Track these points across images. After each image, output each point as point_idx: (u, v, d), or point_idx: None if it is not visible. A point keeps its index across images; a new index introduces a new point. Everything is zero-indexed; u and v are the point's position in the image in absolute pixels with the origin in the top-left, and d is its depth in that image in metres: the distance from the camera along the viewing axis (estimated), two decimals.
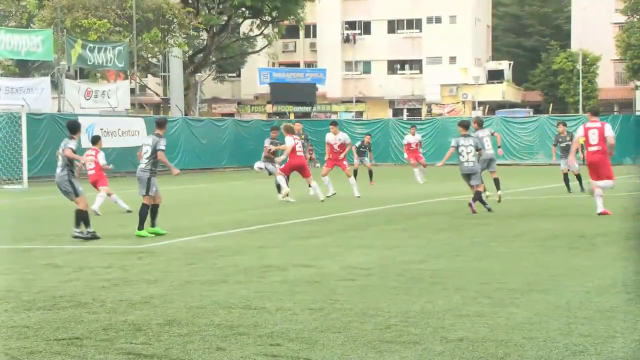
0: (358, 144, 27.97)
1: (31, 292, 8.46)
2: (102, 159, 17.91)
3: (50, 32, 37.76)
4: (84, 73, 50.29)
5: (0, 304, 7.84)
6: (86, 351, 6.13)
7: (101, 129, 36.84)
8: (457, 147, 16.76)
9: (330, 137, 21.93)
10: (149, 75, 57.37)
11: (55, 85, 39.32)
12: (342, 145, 21.68)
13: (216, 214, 17.30)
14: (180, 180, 28.27)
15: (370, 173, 26.84)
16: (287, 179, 20.02)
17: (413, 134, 28.72)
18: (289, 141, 19.96)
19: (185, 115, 48.16)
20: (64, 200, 17.01)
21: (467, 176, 16.80)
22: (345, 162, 21.63)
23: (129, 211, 17.37)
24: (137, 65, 44.78)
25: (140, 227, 13.23)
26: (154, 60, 54.12)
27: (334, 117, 59.83)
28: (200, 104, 53.12)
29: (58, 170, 13.50)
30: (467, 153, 16.71)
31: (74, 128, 13.93)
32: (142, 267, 10.07)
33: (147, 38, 44.71)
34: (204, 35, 54.42)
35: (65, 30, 39.97)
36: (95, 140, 18.34)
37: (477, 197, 16.60)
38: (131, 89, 43.97)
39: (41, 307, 7.68)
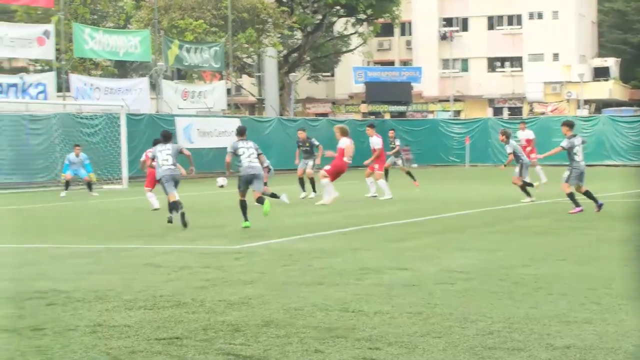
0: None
1: (132, 291, 8.70)
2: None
3: (148, 32, 38.73)
4: (181, 74, 51.40)
5: (102, 303, 8.08)
6: (186, 351, 6.27)
7: (197, 130, 37.62)
8: (571, 148, 16.53)
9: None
10: (244, 76, 58.22)
11: (153, 86, 40.33)
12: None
13: (309, 215, 17.41)
14: (274, 180, 28.55)
15: (409, 174, 24.40)
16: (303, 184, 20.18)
17: (522, 130, 27.85)
18: (344, 142, 19.92)
19: (280, 115, 48.66)
20: (162, 201, 17.49)
21: (582, 175, 16.65)
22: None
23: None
24: (232, 66, 45.52)
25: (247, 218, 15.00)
26: (249, 61, 54.90)
27: (430, 116, 59.44)
28: (294, 104, 53.59)
29: (169, 166, 15.75)
30: (580, 152, 16.73)
31: (170, 136, 16.46)
32: (239, 268, 10.23)
33: (242, 38, 45.39)
34: (298, 34, 54.87)
35: (162, 31, 40.95)
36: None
37: (590, 195, 16.65)
38: (227, 89, 44.74)
39: (142, 306, 7.90)
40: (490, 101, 63.79)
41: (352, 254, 11.43)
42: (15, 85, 33.29)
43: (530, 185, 19.71)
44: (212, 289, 8.72)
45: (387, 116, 54.48)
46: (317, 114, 59.61)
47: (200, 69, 44.12)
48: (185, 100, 39.80)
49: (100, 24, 48.56)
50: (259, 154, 15.57)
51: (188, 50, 39.99)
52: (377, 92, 54.89)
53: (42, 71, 43.62)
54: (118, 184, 30.25)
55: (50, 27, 34.65)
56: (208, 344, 6.45)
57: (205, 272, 9.88)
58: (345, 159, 19.60)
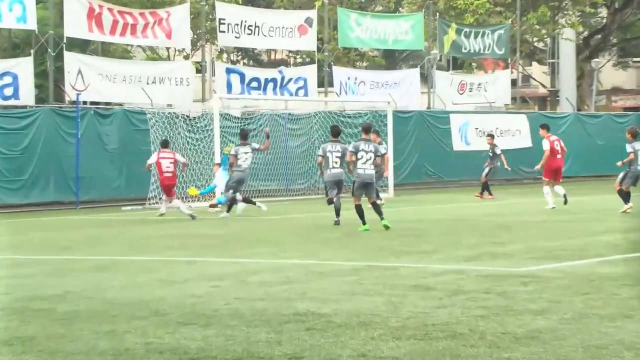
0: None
1: (400, 317, 8.84)
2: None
3: (421, 16, 39.29)
4: (457, 63, 51.64)
5: (366, 329, 8.28)
6: None
7: (476, 128, 37.60)
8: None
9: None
10: (534, 63, 57.37)
11: (425, 78, 40.83)
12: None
13: (614, 233, 16.79)
14: (567, 189, 27.89)
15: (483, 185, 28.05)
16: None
17: None
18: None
19: (578, 110, 47.41)
20: (430, 213, 17.68)
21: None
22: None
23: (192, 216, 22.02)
24: (519, 52, 45.01)
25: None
26: (540, 45, 54.00)
27: None
28: (596, 96, 51.95)
29: (338, 169, 19.51)
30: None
31: (339, 133, 20.64)
32: (526, 295, 10.08)
33: (532, 19, 44.74)
34: (603, 12, 53.16)
35: (437, 13, 41.35)
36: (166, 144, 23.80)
37: None
38: (512, 79, 44.34)
39: (411, 335, 7.99)
40: None
41: None
42: (274, 80, 35.09)
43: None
44: (493, 319, 8.66)
45: None
46: (624, 108, 57.37)
47: (480, 57, 44.04)
48: (461, 93, 39.90)
49: (367, 8, 49.95)
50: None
51: (467, 35, 40.05)
52: None
53: (302, 64, 45.62)
54: (383, 192, 30.87)
55: (313, 14, 36.13)
56: None
57: (486, 298, 9.83)
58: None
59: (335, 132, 20.39)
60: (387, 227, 17.64)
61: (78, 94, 29.06)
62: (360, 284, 11.15)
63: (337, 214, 19.22)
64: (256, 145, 23.71)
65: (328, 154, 19.58)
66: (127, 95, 31.90)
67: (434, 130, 36.62)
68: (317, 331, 8.23)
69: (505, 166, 29.91)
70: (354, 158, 18.21)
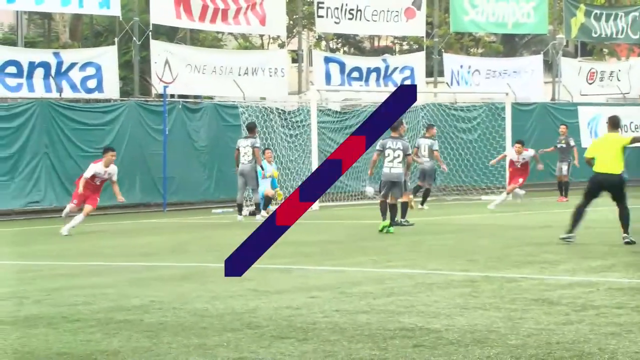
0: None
1: (520, 334, 8.80)
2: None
3: None
4: (586, 49, 50.90)
5: (481, 347, 8.28)
6: None
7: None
8: None
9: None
10: None
11: (549, 66, 40.39)
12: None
13: None
14: None
15: (563, 186, 29.68)
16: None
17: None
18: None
19: None
20: (554, 218, 17.45)
21: None
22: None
23: None
24: None
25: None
26: None
27: None
28: None
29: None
30: None
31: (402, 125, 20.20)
32: None
33: None
34: None
35: None
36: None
37: None
38: None
39: (532, 355, 7.96)
40: None
41: None
42: (377, 69, 35.19)
43: None
44: (626, 337, 8.57)
45: None
46: None
47: (613, 42, 43.34)
48: (591, 83, 39.40)
49: None
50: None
51: (598, 17, 39.45)
52: None
53: (409, 51, 45.57)
54: (499, 194, 30.66)
55: None
56: None
57: (618, 314, 9.72)
58: None
59: (396, 125, 19.29)
60: (390, 232, 19.19)
61: (165, 87, 29.55)
62: (475, 297, 11.12)
63: (391, 217, 19.84)
64: (258, 144, 24.45)
65: (389, 151, 19.56)
66: (218, 88, 32.31)
67: (560, 125, 36.10)
68: (426, 348, 8.25)
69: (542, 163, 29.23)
70: (377, 157, 19.39)
